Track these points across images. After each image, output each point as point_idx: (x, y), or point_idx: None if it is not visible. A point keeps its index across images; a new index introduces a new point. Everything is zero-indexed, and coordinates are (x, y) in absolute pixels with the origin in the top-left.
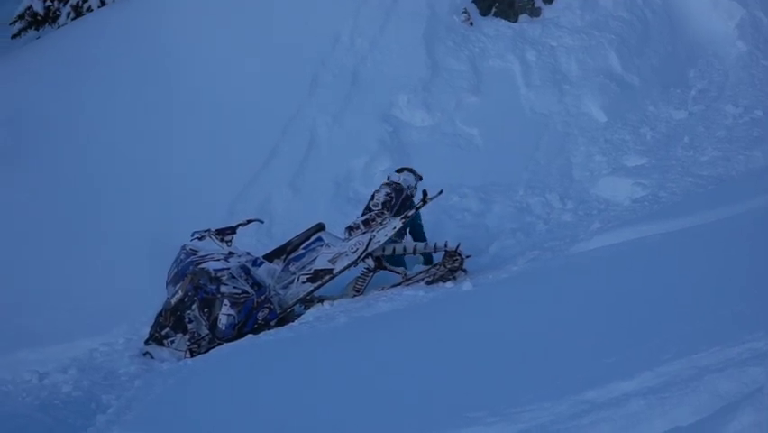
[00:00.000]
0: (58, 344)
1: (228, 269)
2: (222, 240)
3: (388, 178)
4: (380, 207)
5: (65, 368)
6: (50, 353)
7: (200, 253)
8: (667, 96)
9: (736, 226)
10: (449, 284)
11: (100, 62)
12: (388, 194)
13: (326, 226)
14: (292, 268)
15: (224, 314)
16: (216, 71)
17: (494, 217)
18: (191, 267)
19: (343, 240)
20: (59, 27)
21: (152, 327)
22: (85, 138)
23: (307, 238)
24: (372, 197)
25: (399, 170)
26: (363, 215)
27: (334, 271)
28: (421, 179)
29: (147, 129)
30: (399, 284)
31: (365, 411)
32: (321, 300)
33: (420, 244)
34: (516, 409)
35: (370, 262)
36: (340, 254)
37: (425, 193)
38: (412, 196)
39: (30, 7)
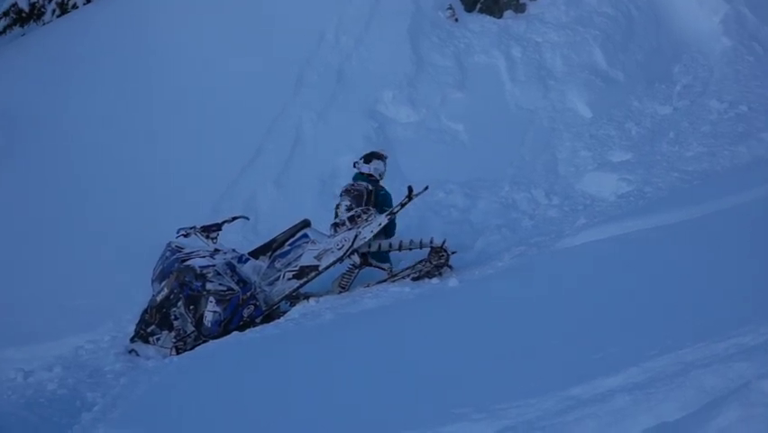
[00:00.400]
0: (43, 342)
1: (213, 266)
2: (207, 237)
3: (355, 165)
4: (347, 222)
5: (50, 366)
6: (36, 351)
7: (186, 250)
8: (652, 92)
9: (721, 222)
10: (435, 280)
11: (85, 60)
12: (348, 207)
13: (312, 223)
14: (278, 265)
15: (210, 311)
16: (202, 69)
17: (480, 213)
18: (177, 264)
19: (329, 236)
20: (43, 24)
21: (138, 324)
22: (71, 137)
23: (293, 235)
24: (336, 213)
25: (367, 160)
26: (332, 228)
27: (320, 268)
28: (387, 157)
29: (132, 127)
30: (385, 281)
31: (351, 408)
32: (307, 297)
33: (406, 240)
34: (501, 406)
35: (356, 259)
36: (325, 251)
37: (410, 189)
38: (381, 178)
39: (15, 4)
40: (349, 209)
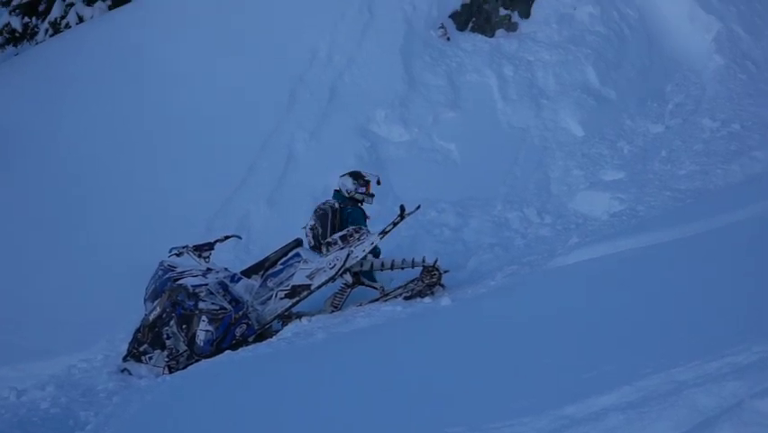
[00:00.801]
0: (36, 360)
1: (206, 285)
2: (200, 256)
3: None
4: (339, 241)
5: (43, 385)
6: (29, 369)
7: (178, 270)
8: (644, 110)
9: (714, 240)
10: (427, 299)
11: (78, 79)
12: (312, 227)
13: (304, 242)
14: (270, 284)
15: (202, 330)
16: (195, 88)
17: (472, 232)
18: (169, 283)
19: (321, 256)
20: (36, 44)
21: (130, 343)
22: (65, 155)
23: (285, 254)
24: (305, 233)
25: (342, 175)
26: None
27: (312, 287)
28: (370, 182)
29: (126, 146)
30: (377, 300)
31: (344, 427)
32: (299, 316)
33: (398, 260)
34: (495, 425)
35: (348, 278)
36: (318, 270)
37: (402, 208)
38: (357, 199)
39: (8, 24)
40: (312, 229)
